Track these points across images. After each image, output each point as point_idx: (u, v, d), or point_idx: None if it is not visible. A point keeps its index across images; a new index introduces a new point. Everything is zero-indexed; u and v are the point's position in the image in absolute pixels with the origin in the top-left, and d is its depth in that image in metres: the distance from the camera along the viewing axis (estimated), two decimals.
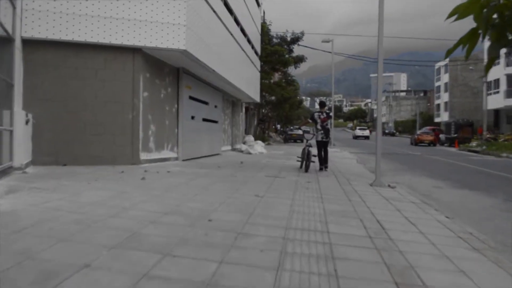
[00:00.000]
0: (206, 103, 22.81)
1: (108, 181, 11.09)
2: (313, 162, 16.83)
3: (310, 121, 16.87)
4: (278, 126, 74.92)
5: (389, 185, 12.72)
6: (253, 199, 9.45)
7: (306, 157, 16.07)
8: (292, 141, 54.94)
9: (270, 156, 24.26)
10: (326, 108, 16.80)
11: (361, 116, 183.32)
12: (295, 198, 9.89)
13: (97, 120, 15.13)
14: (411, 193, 11.83)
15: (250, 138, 33.20)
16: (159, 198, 9.09)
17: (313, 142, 16.89)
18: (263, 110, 54.47)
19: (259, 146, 28.51)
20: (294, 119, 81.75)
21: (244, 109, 34.51)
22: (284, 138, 56.07)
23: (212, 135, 24.07)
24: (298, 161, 17.43)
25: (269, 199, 9.63)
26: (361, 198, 10.48)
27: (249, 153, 26.41)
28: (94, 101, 15.15)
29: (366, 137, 77.51)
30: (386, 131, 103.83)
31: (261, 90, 40.85)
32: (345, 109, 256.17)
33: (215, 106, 24.87)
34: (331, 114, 17.58)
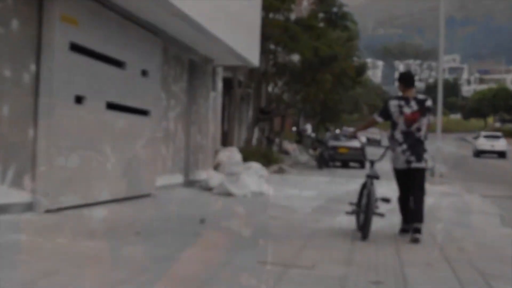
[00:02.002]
0: (118, 63, 12.28)
1: None
2: (382, 216, 9.37)
3: (379, 120, 10.11)
4: (308, 128, 42.38)
5: None
6: None
7: (364, 203, 9.42)
8: (338, 163, 31.22)
9: (279, 205, 13.74)
10: (416, 91, 10.04)
11: (505, 106, 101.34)
12: None
13: None
14: None
15: (233, 156, 17.04)
16: None
17: (384, 167, 10.28)
18: (270, 89, 31.80)
19: (253, 178, 16.11)
20: (344, 113, 52.46)
21: (221, 84, 19.79)
22: (318, 158, 29.83)
23: (132, 146, 13.36)
24: (349, 213, 9.98)
25: None
26: None
27: (228, 195, 15.14)
28: None
29: (501, 154, 49.67)
30: None
31: (266, 39, 22.76)
32: (468, 88, 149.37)
33: (143, 73, 13.69)
34: (430, 103, 10.02)
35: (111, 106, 11.45)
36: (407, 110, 9.32)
